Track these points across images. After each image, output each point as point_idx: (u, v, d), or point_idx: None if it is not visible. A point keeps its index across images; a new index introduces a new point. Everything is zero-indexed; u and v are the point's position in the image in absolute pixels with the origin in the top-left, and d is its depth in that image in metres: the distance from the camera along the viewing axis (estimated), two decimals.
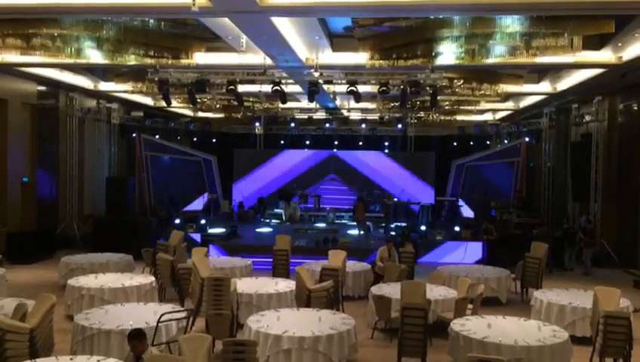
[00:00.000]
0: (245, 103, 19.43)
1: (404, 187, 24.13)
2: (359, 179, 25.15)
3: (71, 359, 6.63)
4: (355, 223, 19.85)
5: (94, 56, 12.80)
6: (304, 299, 9.80)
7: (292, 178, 25.28)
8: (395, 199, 22.85)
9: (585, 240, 15.97)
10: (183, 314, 8.50)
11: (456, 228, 18.16)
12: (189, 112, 25.42)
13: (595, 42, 12.51)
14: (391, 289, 10.33)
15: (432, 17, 11.07)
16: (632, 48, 12.35)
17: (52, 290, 10.40)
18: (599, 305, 8.52)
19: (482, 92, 16.72)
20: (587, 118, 18.87)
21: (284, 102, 16.55)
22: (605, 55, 12.98)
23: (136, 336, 5.87)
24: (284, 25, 11.03)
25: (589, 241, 15.80)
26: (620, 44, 12.38)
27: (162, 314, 7.94)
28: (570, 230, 16.82)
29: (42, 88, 18.07)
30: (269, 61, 13.39)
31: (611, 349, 8.07)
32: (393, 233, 17.92)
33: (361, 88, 15.46)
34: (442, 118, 23.43)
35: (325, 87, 16.94)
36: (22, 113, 17.26)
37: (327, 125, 26.38)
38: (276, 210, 22.85)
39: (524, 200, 20.64)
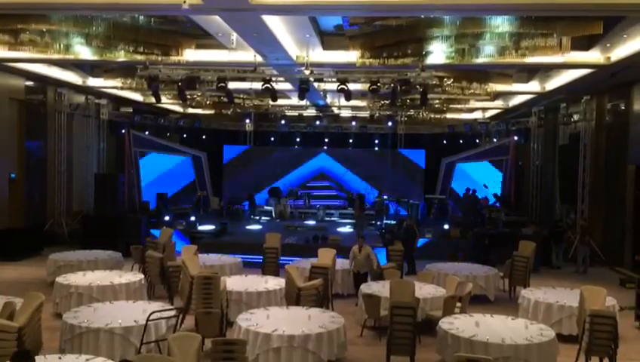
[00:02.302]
0: (235, 100, 19.39)
1: (394, 185, 24.24)
2: (349, 177, 25.27)
3: (59, 358, 6.61)
4: (354, 219, 20.26)
5: (83, 52, 12.74)
6: (294, 297, 9.82)
7: (282, 176, 25.31)
8: (385, 197, 22.95)
9: (579, 238, 16.06)
10: (173, 313, 8.49)
11: (446, 226, 18.28)
12: (178, 108, 25.31)
13: (583, 43, 12.61)
14: (380, 288, 10.38)
15: (422, 17, 11.10)
16: (620, 49, 12.46)
17: (40, 288, 10.39)
18: (585, 304, 8.62)
19: (472, 91, 16.80)
20: (575, 117, 19.03)
21: (274, 100, 16.53)
22: (594, 55, 13.09)
23: (15, 358, 5.33)
24: (274, 23, 11.02)
25: (583, 238, 15.89)
26: (608, 45, 12.49)
27: (151, 313, 7.92)
28: (558, 228, 16.95)
29: (30, 83, 17.91)
30: (259, 58, 13.38)
31: (597, 347, 8.16)
32: (383, 230, 18.01)
33: (352, 86, 15.47)
34: (432, 116, 23.50)
35: (316, 84, 16.94)
36: (9, 109, 17.09)
37: (318, 122, 26.39)
38: (266, 208, 22.85)
39: (505, 201, 20.81)
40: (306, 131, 26.85)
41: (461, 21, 10.77)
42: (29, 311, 7.46)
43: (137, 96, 21.86)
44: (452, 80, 16.03)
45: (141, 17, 12.05)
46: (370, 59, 12.44)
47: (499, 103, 21.92)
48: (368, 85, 14.82)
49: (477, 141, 26.66)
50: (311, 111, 24.57)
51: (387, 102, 19.37)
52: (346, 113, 25.19)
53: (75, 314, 8.27)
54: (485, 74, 15.95)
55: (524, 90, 18.26)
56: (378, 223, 20.06)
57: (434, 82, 15.37)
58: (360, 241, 12.08)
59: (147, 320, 7.81)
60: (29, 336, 7.26)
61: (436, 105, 21.08)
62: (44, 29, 11.70)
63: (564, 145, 19.83)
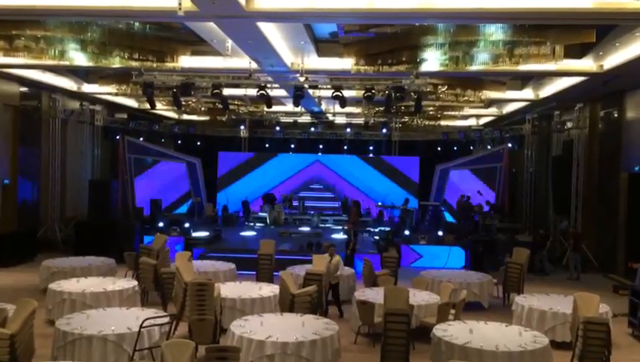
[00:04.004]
0: (230, 106, 19.40)
1: (387, 192, 24.30)
2: (343, 184, 25.31)
3: None
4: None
5: (78, 58, 12.71)
6: (288, 303, 9.80)
7: (277, 182, 25.31)
8: (379, 204, 22.97)
9: (571, 245, 16.11)
10: (166, 320, 8.46)
11: (440, 233, 18.31)
12: (173, 115, 25.30)
13: (576, 51, 12.71)
14: (374, 295, 10.38)
15: (416, 25, 11.16)
16: (613, 57, 12.56)
17: (33, 294, 10.32)
18: (579, 311, 8.65)
19: (466, 98, 16.88)
20: (568, 124, 19.13)
21: (269, 106, 16.55)
22: (586, 63, 13.19)
23: None
24: (269, 30, 11.05)
25: (576, 246, 15.93)
26: (600, 53, 12.59)
27: (145, 320, 7.89)
28: (543, 235, 16.99)
29: (25, 89, 17.85)
30: (254, 65, 13.40)
31: (590, 354, 8.17)
32: (377, 237, 18.01)
33: (346, 93, 15.50)
34: (426, 123, 23.58)
35: (310, 91, 16.97)
36: (4, 114, 17.03)
37: (313, 129, 26.45)
38: (260, 214, 22.83)
39: (498, 207, 20.86)
40: (300, 137, 26.90)
41: (455, 29, 10.84)
42: (22, 318, 7.41)
43: (132, 103, 21.85)
44: (446, 87, 16.10)
45: (136, 24, 12.05)
46: (365, 67, 12.49)
47: (493, 110, 22.02)
48: (363, 92, 14.87)
49: (471, 148, 26.75)
50: (306, 118, 24.62)
51: (382, 109, 19.45)
52: (340, 120, 25.25)
53: (67, 321, 8.22)
54: (479, 81, 16.03)
55: (518, 98, 18.36)
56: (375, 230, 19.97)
57: (428, 89, 15.42)
58: (330, 250, 11.44)
59: (140, 327, 7.77)
60: (21, 343, 7.21)
61: (430, 112, 21.15)
62: (39, 35, 11.68)
63: (557, 156, 19.87)
